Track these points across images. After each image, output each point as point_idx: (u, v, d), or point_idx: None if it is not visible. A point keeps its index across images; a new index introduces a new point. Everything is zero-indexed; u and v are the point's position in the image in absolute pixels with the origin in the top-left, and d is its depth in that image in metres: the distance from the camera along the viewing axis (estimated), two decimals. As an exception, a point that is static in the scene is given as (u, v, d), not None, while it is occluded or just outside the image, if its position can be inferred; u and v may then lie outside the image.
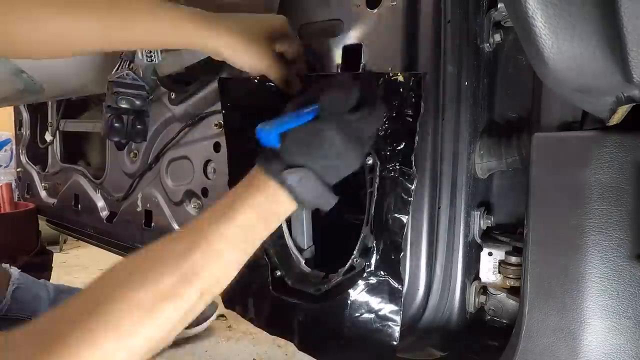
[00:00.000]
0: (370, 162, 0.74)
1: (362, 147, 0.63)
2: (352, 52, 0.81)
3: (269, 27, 0.72)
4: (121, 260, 0.54)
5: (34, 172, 2.03)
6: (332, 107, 0.60)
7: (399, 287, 0.69)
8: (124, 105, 1.00)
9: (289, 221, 0.94)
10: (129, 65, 1.01)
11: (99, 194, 1.59)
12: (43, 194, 1.97)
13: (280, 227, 0.92)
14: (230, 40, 0.68)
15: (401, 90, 0.71)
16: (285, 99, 0.89)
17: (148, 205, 1.34)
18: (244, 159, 0.95)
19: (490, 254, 0.79)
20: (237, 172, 0.96)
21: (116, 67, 1.01)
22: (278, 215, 0.61)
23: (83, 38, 0.62)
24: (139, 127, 1.05)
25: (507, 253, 0.76)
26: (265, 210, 0.58)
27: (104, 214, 1.57)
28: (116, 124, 1.01)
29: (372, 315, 0.71)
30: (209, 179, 1.15)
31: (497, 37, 0.76)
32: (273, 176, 0.58)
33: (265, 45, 0.71)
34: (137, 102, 1.01)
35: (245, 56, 0.70)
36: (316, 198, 0.61)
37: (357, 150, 0.61)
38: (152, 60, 1.00)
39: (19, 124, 2.14)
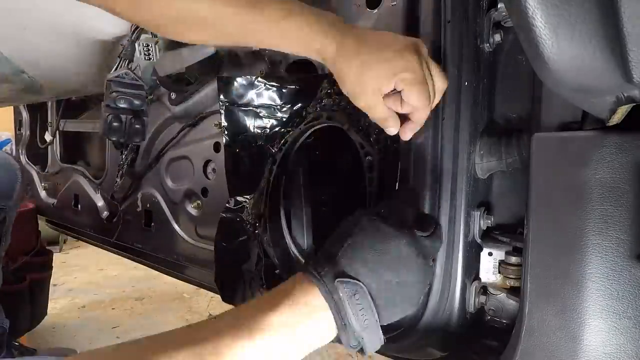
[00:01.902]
0: (370, 161, 0.74)
1: (428, 274, 0.60)
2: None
3: (389, 60, 0.60)
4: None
5: (33, 172, 2.03)
6: (401, 219, 0.59)
7: None
8: (122, 105, 1.00)
9: (289, 221, 0.94)
10: (127, 65, 1.01)
11: (99, 194, 1.59)
12: (43, 194, 1.97)
13: (280, 227, 0.92)
14: (347, 73, 0.61)
15: None
16: (285, 97, 0.89)
17: (148, 205, 1.34)
18: (241, 158, 0.95)
19: (490, 254, 0.79)
20: (234, 172, 0.96)
21: (115, 67, 1.01)
22: (310, 337, 0.51)
23: (220, 28, 0.61)
24: (137, 126, 1.05)
25: (507, 253, 0.76)
26: (298, 329, 0.50)
27: (104, 214, 1.57)
28: (115, 124, 1.02)
29: None
30: (209, 179, 1.15)
31: (497, 37, 0.76)
32: (318, 282, 0.51)
33: (376, 85, 0.61)
34: (136, 102, 1.01)
35: (356, 96, 0.63)
36: (363, 328, 0.52)
37: (426, 276, 0.59)
38: (150, 59, 1.01)
39: (19, 124, 2.14)
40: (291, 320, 0.50)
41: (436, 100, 0.66)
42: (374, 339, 0.54)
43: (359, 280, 0.52)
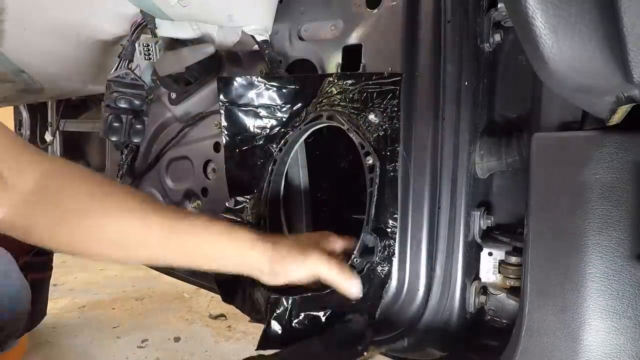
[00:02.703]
0: (370, 162, 0.74)
1: None
2: (352, 52, 0.81)
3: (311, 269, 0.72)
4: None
5: (34, 172, 2.02)
6: None
7: None
8: (122, 105, 1.00)
9: (289, 221, 0.94)
10: (128, 65, 1.00)
11: (99, 194, 1.59)
12: (43, 194, 1.97)
13: (280, 227, 0.92)
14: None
15: (381, 89, 0.73)
16: (285, 97, 0.89)
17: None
18: (241, 158, 0.95)
19: (490, 254, 0.79)
20: (234, 172, 0.96)
21: (115, 67, 1.01)
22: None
23: (146, 245, 0.68)
24: (137, 126, 1.04)
25: (507, 253, 0.76)
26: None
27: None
28: (115, 124, 1.01)
29: None
30: (209, 179, 1.15)
31: (497, 37, 0.76)
32: None
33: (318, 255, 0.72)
34: (136, 102, 1.01)
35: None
36: None
37: None
38: (150, 59, 1.00)
39: (19, 124, 2.14)
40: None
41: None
42: None
43: None
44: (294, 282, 0.73)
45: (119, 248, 0.67)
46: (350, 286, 0.70)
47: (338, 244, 0.78)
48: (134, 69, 1.01)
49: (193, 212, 0.74)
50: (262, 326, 0.77)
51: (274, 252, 0.71)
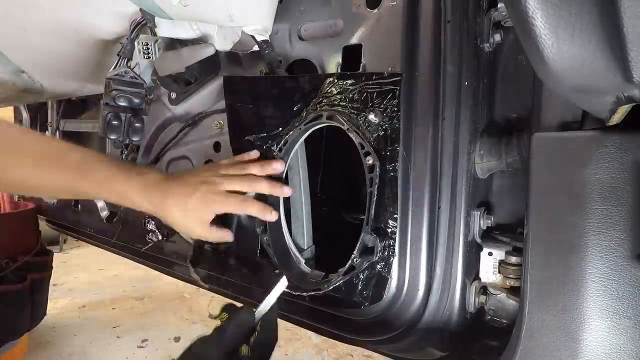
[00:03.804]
0: (370, 162, 0.74)
1: None
2: (352, 52, 0.81)
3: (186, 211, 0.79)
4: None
5: (34, 172, 2.02)
6: None
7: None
8: (122, 103, 1.00)
9: (289, 221, 0.94)
10: (127, 63, 1.00)
11: (99, 194, 1.59)
12: (43, 194, 1.97)
13: (280, 227, 0.92)
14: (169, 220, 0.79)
15: (381, 89, 0.73)
16: (288, 94, 0.89)
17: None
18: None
19: (490, 254, 0.79)
20: None
21: (114, 65, 1.01)
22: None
23: (52, 191, 0.78)
24: (136, 125, 1.04)
25: (507, 253, 0.76)
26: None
27: (104, 214, 1.57)
28: (114, 122, 1.01)
29: None
30: (209, 179, 1.15)
31: (497, 37, 0.76)
32: None
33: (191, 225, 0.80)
34: (135, 100, 1.01)
35: (186, 229, 0.80)
36: None
37: None
38: (149, 58, 1.00)
39: (19, 124, 2.14)
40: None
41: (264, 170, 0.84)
42: None
43: None
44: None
45: (32, 191, 0.81)
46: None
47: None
48: (133, 68, 1.01)
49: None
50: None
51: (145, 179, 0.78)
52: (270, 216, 0.82)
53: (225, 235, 0.84)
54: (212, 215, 0.79)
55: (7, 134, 0.74)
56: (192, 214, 0.78)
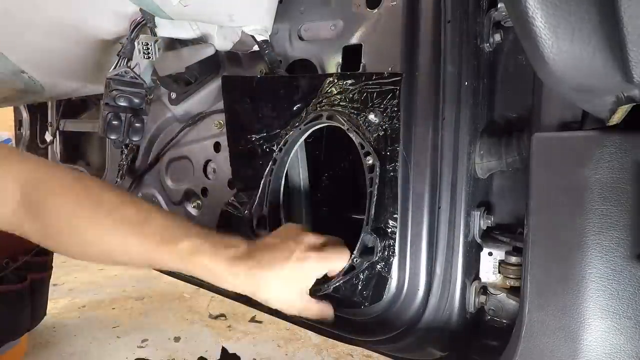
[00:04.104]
0: (370, 162, 0.74)
1: None
2: (352, 52, 0.81)
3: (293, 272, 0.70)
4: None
5: (34, 172, 2.02)
6: None
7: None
8: (122, 104, 1.00)
9: (289, 221, 0.94)
10: (127, 63, 1.00)
11: (99, 194, 1.59)
12: (43, 194, 1.97)
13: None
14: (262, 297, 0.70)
15: (381, 89, 0.73)
16: (286, 95, 0.89)
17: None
18: (245, 155, 0.95)
19: (490, 254, 0.79)
20: (239, 169, 0.96)
21: (114, 65, 1.01)
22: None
23: (129, 259, 0.68)
24: (136, 125, 1.04)
25: (507, 253, 0.76)
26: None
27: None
28: (114, 122, 1.01)
29: None
30: (209, 179, 1.15)
31: (497, 37, 0.76)
32: None
33: (296, 295, 0.71)
34: (135, 100, 1.01)
35: (284, 304, 0.72)
36: None
37: None
38: (149, 58, 1.00)
39: (19, 124, 2.14)
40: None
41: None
42: None
43: None
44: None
45: (106, 258, 0.69)
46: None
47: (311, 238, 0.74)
48: (133, 68, 1.01)
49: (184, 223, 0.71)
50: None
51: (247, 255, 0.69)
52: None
53: (326, 310, 0.75)
54: (312, 281, 0.71)
55: (87, 188, 0.67)
56: (292, 283, 0.69)
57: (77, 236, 0.65)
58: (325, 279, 0.81)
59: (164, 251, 0.66)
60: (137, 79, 1.00)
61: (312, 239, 0.72)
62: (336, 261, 0.72)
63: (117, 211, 0.66)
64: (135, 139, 1.05)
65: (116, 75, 0.99)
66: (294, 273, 0.68)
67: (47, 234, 0.66)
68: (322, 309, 0.74)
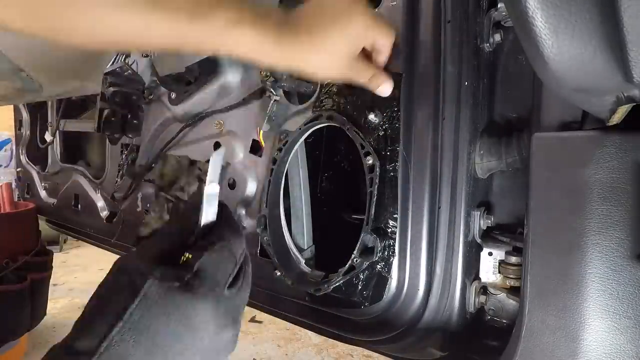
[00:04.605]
0: (370, 162, 0.74)
1: (236, 330, 0.49)
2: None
3: (347, 36, 0.62)
4: None
5: (34, 172, 2.03)
6: (213, 278, 0.45)
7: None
8: (118, 99, 1.00)
9: (289, 221, 0.94)
10: (124, 59, 1.00)
11: (99, 194, 1.59)
12: (43, 194, 1.97)
13: (280, 227, 0.92)
14: (309, 65, 0.61)
15: None
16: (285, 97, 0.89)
17: (148, 205, 1.34)
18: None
19: (490, 254, 0.79)
20: None
21: (112, 61, 1.01)
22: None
23: (152, 40, 0.53)
24: (133, 121, 1.04)
25: (507, 253, 0.76)
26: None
27: (104, 214, 1.57)
28: (110, 118, 1.01)
29: None
30: (209, 179, 1.15)
31: (497, 37, 0.76)
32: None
33: (346, 59, 0.63)
34: (132, 97, 1.01)
35: (328, 77, 0.65)
36: None
37: (234, 335, 0.48)
38: (147, 55, 1.00)
39: (19, 124, 2.14)
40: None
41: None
42: None
43: None
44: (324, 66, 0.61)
45: (119, 42, 0.53)
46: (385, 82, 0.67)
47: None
48: (131, 64, 1.01)
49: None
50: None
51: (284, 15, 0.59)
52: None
53: (383, 78, 0.68)
54: (362, 45, 0.63)
55: None
56: (341, 49, 0.61)
57: (78, 14, 0.48)
58: (325, 278, 0.82)
59: (195, 28, 0.52)
60: (134, 75, 1.00)
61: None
62: (388, 31, 0.65)
63: None
64: (131, 135, 1.05)
65: (113, 71, 0.99)
66: (342, 37, 0.60)
67: (34, 14, 0.47)
68: (376, 75, 0.67)
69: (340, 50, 0.61)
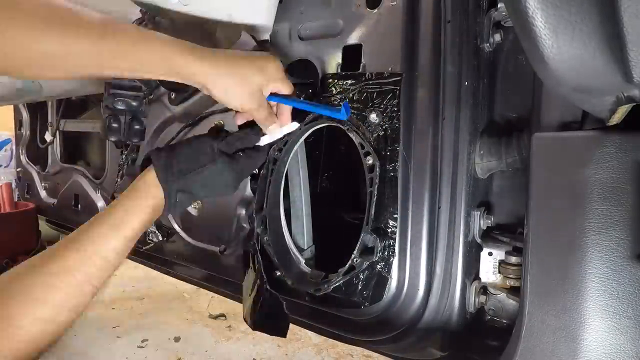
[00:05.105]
0: (370, 162, 0.74)
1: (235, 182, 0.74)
2: (352, 52, 0.81)
3: (262, 69, 0.71)
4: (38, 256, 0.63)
5: (34, 172, 2.03)
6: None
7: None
8: (120, 107, 1.01)
9: (289, 221, 0.94)
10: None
11: (99, 194, 1.59)
12: (43, 194, 1.97)
13: (280, 227, 0.92)
14: (221, 81, 0.68)
15: (381, 89, 0.73)
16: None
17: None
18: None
19: (490, 254, 0.79)
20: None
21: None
22: (151, 220, 0.70)
23: (74, 62, 0.59)
24: (136, 127, 1.06)
25: (507, 253, 0.76)
26: (148, 220, 0.69)
27: (104, 214, 1.57)
28: (114, 124, 1.03)
29: None
30: (209, 179, 1.15)
31: (497, 37, 0.76)
32: (166, 191, 0.69)
33: (257, 87, 0.71)
34: (134, 103, 1.02)
35: (235, 98, 0.71)
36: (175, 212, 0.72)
37: (233, 182, 0.74)
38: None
39: (19, 124, 2.14)
40: (148, 212, 0.69)
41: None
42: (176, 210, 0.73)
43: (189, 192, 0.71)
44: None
45: (45, 66, 0.59)
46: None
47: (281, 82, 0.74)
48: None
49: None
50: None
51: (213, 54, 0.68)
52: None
53: (273, 119, 0.76)
54: (259, 87, 0.71)
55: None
56: (243, 81, 0.69)
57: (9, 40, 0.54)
58: (325, 279, 0.81)
59: (111, 41, 0.59)
60: (135, 82, 1.01)
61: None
62: (286, 86, 0.74)
63: (42, 7, 0.55)
64: (135, 140, 1.07)
65: (114, 78, 1.00)
66: (245, 70, 0.69)
67: None
68: (271, 115, 0.75)
69: (252, 81, 0.70)
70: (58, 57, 0.58)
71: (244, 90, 0.70)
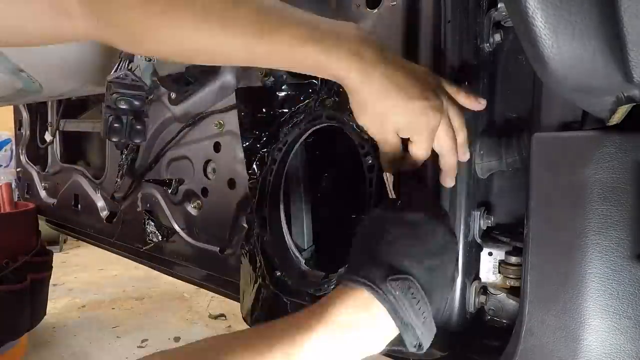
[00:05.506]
0: (370, 162, 0.74)
1: (457, 250, 0.62)
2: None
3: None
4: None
5: (34, 172, 2.03)
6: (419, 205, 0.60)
7: None
8: (122, 106, 1.01)
9: (289, 221, 0.94)
10: (128, 65, 1.01)
11: (99, 194, 1.59)
12: (43, 194, 1.97)
13: (280, 227, 0.92)
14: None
15: None
16: (286, 97, 0.89)
17: (148, 205, 1.34)
18: (260, 161, 0.94)
19: (490, 254, 0.79)
20: (255, 175, 0.95)
21: (115, 67, 1.01)
22: (376, 341, 0.51)
23: (223, 58, 0.58)
24: (138, 127, 1.05)
25: (507, 253, 0.76)
26: (353, 336, 0.49)
27: (104, 214, 1.57)
28: (115, 125, 1.02)
29: None
30: (208, 179, 1.15)
31: (497, 37, 0.76)
32: (369, 288, 0.49)
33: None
34: (136, 103, 1.02)
35: (375, 124, 0.62)
36: (422, 323, 0.52)
37: (456, 252, 0.60)
38: (150, 59, 1.01)
39: (19, 124, 2.14)
40: (352, 321, 0.49)
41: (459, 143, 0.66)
42: (431, 332, 0.54)
43: (409, 274, 0.51)
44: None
45: (195, 58, 0.59)
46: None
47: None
48: (134, 70, 1.01)
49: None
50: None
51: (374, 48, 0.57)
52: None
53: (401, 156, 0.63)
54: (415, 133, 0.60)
55: None
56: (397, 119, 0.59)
57: (153, 34, 0.54)
58: (325, 279, 0.81)
59: (262, 46, 0.54)
60: (137, 81, 1.01)
61: (441, 110, 0.61)
62: (460, 121, 0.64)
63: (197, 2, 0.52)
64: (136, 140, 1.06)
65: (117, 78, 1.00)
66: (408, 115, 0.58)
67: (133, 35, 0.56)
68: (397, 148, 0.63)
69: (399, 119, 0.59)
70: (212, 51, 0.56)
71: (385, 127, 0.61)
